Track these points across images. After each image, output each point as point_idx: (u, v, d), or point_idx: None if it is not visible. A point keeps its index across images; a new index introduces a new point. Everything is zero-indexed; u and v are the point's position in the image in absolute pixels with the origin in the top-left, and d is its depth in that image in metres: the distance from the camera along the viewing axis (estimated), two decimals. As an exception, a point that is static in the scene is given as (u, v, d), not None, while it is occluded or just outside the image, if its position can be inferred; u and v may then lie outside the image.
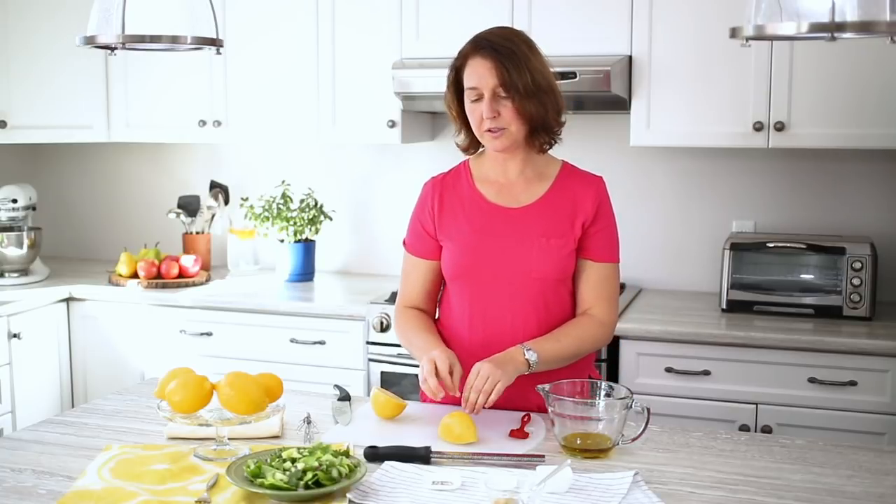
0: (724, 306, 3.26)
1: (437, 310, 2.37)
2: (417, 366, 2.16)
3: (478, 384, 2.04)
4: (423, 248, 2.30)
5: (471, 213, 2.24)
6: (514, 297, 2.19)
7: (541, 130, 2.18)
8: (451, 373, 2.07)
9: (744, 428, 2.99)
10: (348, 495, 1.70)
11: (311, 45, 3.66)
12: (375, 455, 1.88)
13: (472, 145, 2.27)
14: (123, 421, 2.16)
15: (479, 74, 2.12)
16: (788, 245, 3.26)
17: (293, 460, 1.73)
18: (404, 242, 2.35)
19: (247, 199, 3.97)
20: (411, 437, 1.98)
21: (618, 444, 1.94)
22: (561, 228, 2.19)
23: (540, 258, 2.18)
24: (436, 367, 2.07)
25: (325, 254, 4.06)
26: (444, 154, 3.75)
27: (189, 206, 4.12)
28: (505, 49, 2.12)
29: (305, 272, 3.87)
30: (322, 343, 3.45)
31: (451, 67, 2.21)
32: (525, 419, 2.08)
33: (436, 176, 2.33)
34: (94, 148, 4.38)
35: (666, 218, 3.69)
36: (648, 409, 1.96)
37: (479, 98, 2.13)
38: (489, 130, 2.14)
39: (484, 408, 2.05)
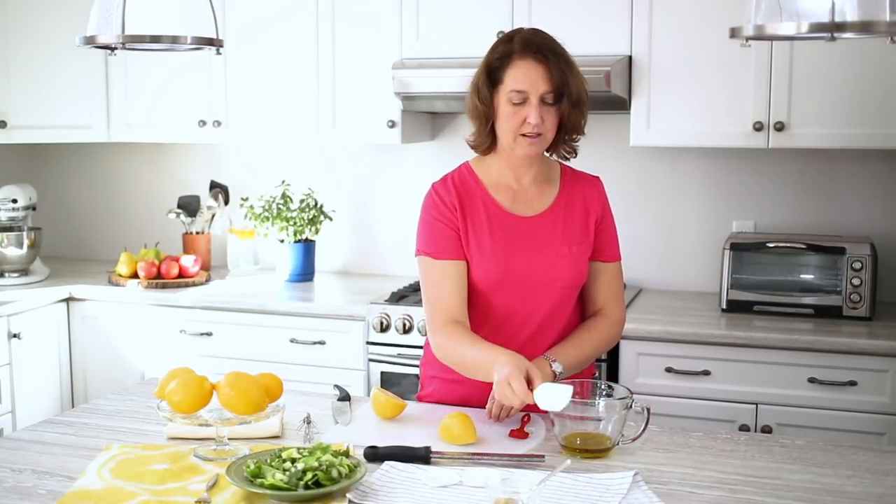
0: (724, 306, 3.26)
1: None
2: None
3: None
4: (454, 249, 2.14)
5: (491, 223, 2.15)
6: (539, 306, 2.16)
7: (566, 139, 2.13)
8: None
9: (744, 428, 2.99)
10: (348, 495, 1.70)
11: (311, 45, 3.66)
12: (375, 455, 1.88)
13: (489, 146, 2.15)
14: (123, 421, 2.16)
15: (531, 79, 2.03)
16: (788, 245, 3.26)
17: (293, 460, 1.73)
18: (425, 253, 2.16)
19: (247, 199, 3.97)
20: (411, 438, 1.98)
21: (618, 444, 1.94)
22: (579, 235, 2.18)
23: (565, 267, 2.16)
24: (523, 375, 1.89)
25: (325, 254, 4.06)
26: (444, 154, 3.76)
27: (189, 206, 4.12)
28: (558, 54, 2.05)
29: (305, 272, 3.86)
30: (322, 343, 3.45)
31: (486, 64, 2.09)
32: (525, 419, 2.08)
33: (442, 179, 2.20)
34: (94, 148, 4.38)
35: (666, 218, 3.68)
36: (648, 409, 1.96)
37: (523, 102, 2.04)
38: (525, 135, 2.06)
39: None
